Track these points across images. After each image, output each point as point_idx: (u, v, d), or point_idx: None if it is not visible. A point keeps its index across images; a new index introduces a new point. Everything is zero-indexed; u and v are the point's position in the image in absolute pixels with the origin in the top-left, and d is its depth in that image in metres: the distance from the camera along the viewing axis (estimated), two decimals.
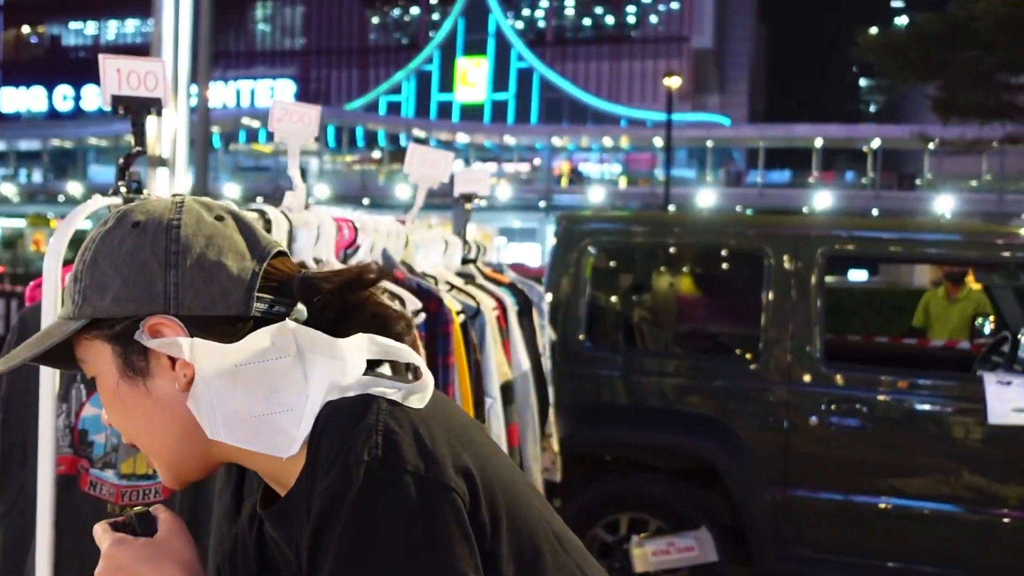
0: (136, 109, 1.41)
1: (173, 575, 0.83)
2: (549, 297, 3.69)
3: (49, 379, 1.32)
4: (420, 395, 0.79)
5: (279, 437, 0.79)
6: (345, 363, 0.80)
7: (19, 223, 37.71)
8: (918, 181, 36.68)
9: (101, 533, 0.85)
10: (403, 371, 0.86)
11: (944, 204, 30.95)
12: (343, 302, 0.85)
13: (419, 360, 0.84)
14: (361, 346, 0.82)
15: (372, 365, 0.83)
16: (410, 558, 0.69)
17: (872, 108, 70.75)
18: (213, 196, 1.87)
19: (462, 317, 2.07)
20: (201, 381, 0.80)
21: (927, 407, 3.48)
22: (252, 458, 0.83)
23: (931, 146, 27.17)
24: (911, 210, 31.16)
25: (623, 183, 39.85)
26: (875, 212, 31.32)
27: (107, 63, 1.39)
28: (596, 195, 35.92)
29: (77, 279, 0.82)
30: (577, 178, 40.29)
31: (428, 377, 0.82)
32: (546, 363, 3.06)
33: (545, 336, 3.11)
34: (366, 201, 34.50)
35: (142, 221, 0.81)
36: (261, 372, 0.79)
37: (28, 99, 52.16)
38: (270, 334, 0.80)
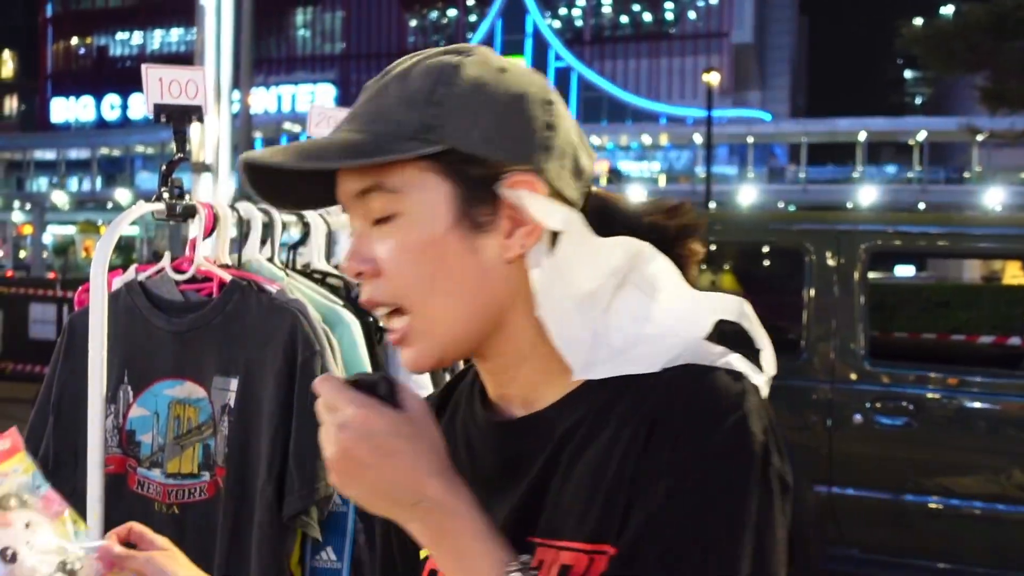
0: (178, 117, 1.44)
1: (429, 463, 0.68)
2: None
3: (98, 381, 1.36)
4: (766, 388, 0.73)
5: (578, 351, 0.73)
6: (670, 312, 0.73)
7: (70, 230, 38.64)
8: (966, 174, 35.90)
9: (336, 393, 0.69)
10: None
11: (994, 197, 30.26)
12: (679, 242, 0.77)
13: (770, 346, 0.76)
14: (728, 308, 0.75)
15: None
16: (768, 554, 0.66)
17: (918, 101, 69.40)
18: (254, 201, 1.91)
19: None
20: (557, 256, 0.72)
21: (976, 405, 3.41)
22: (525, 357, 0.75)
23: (979, 138, 26.56)
24: (959, 204, 30.52)
25: (663, 181, 39.60)
26: (922, 206, 30.72)
27: (149, 73, 1.43)
28: (636, 194, 35.76)
29: (431, 101, 0.72)
30: (616, 177, 40.14)
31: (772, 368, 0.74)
32: None
33: None
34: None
35: (509, 70, 0.75)
36: (593, 278, 0.73)
37: (77, 109, 53.48)
38: (624, 248, 0.73)
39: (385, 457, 0.67)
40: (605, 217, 0.77)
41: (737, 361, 0.72)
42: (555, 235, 0.73)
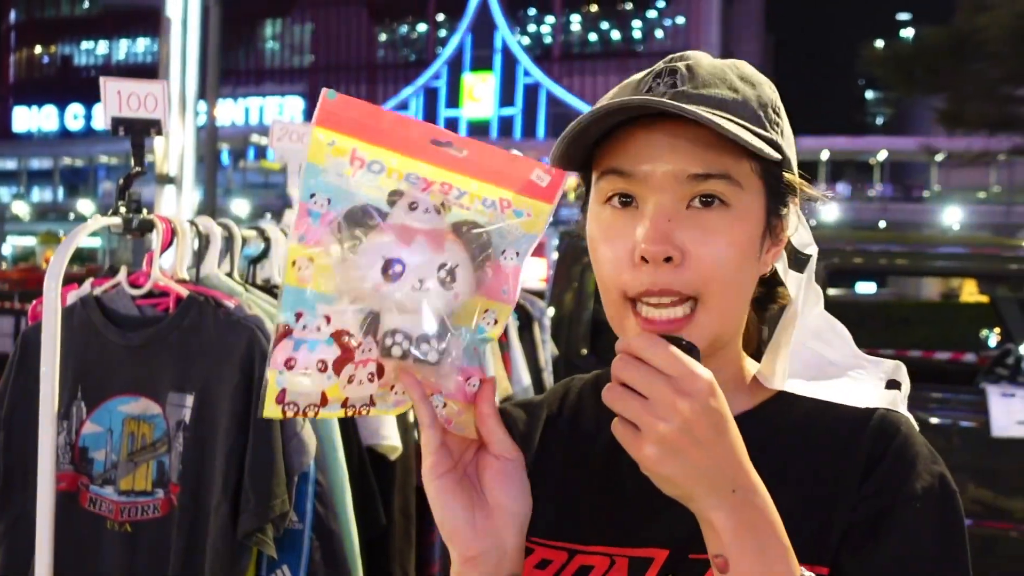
0: (136, 130, 1.43)
1: (742, 446, 0.65)
2: (551, 312, 3.70)
3: (49, 397, 1.34)
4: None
5: (773, 366, 0.78)
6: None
7: (30, 241, 37.96)
8: (926, 193, 36.62)
9: (674, 355, 0.63)
10: None
11: (952, 216, 30.86)
12: None
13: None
14: (896, 370, 0.82)
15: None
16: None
17: (879, 120, 70.74)
18: (221, 213, 1.90)
19: None
20: (809, 277, 0.80)
21: (932, 420, 3.47)
22: (726, 364, 0.77)
23: (938, 158, 27.15)
24: (919, 222, 31.08)
25: None
26: (882, 224, 31.25)
27: (108, 85, 1.42)
28: None
29: (779, 114, 0.76)
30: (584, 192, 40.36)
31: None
32: (548, 378, 3.07)
33: (547, 351, 3.12)
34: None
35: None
36: (793, 312, 0.80)
37: (40, 118, 52.61)
38: (821, 303, 0.83)
39: (721, 436, 0.62)
40: None
41: (902, 403, 0.79)
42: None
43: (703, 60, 0.76)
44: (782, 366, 0.77)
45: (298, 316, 0.66)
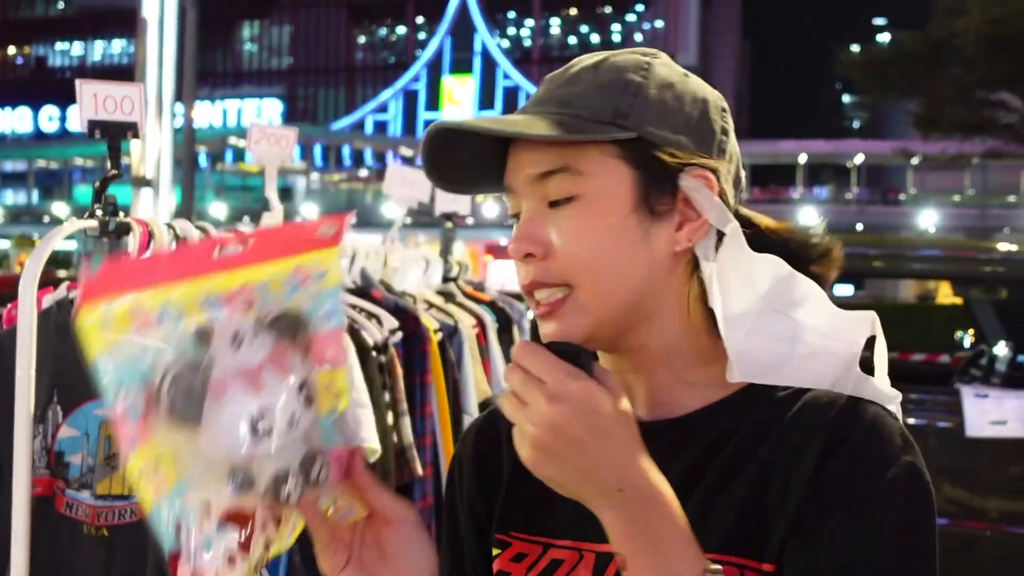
0: (112, 133, 1.42)
1: (636, 446, 0.65)
2: (530, 315, 3.71)
3: (25, 400, 1.32)
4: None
5: (729, 363, 0.75)
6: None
7: (4, 244, 37.51)
8: (902, 196, 37.02)
9: (548, 362, 0.64)
10: None
11: (927, 219, 31.21)
12: (815, 264, 0.80)
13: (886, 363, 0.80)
14: (872, 323, 0.77)
15: None
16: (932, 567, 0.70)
17: (856, 124, 71.46)
18: (199, 216, 1.89)
19: (440, 335, 2.09)
20: (718, 261, 0.75)
21: (908, 420, 3.51)
22: (668, 354, 0.77)
23: (913, 161, 27.46)
24: (895, 225, 31.42)
25: None
26: (859, 227, 31.57)
27: (84, 88, 1.41)
28: None
29: (627, 91, 0.74)
30: None
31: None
32: None
33: None
34: (353, 220, 34.54)
35: (691, 76, 0.79)
36: (744, 296, 0.76)
37: (14, 120, 52.03)
38: (773, 271, 0.76)
39: (600, 438, 0.63)
40: (753, 235, 0.79)
41: (883, 386, 0.76)
42: (719, 238, 0.76)
43: (577, 64, 0.78)
44: (733, 360, 0.76)
45: (178, 530, 0.62)
